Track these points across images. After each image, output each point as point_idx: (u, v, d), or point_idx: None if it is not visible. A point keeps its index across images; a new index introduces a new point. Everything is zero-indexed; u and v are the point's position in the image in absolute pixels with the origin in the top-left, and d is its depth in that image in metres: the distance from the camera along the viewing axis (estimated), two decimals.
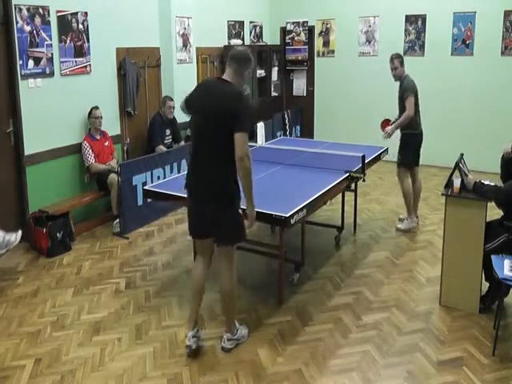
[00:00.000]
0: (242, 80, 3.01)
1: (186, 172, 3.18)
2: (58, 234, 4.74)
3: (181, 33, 6.64)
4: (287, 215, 3.34)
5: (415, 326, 3.49)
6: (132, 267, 4.50)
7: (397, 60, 5.16)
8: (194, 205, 3.09)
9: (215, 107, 2.89)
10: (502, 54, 7.18)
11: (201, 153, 2.98)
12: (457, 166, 3.70)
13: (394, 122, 5.21)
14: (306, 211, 3.59)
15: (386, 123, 5.33)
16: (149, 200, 5.32)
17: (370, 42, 8.24)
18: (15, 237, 4.15)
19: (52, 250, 4.70)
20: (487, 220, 3.53)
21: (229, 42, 7.90)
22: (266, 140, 7.32)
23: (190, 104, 3.17)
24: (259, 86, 8.42)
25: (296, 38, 8.87)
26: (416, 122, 5.11)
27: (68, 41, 5.23)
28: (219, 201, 2.94)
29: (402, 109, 5.10)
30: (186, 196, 3.18)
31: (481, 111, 7.39)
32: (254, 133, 2.90)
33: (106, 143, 5.59)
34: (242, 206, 3.03)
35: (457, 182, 3.62)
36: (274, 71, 8.85)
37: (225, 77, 2.99)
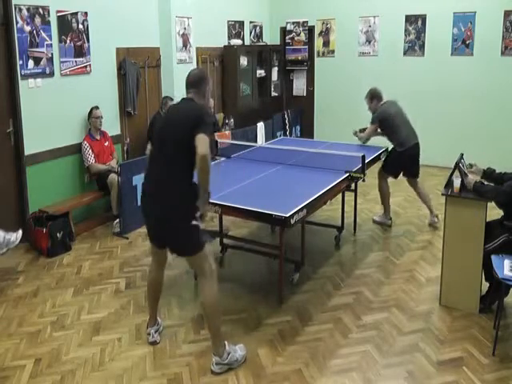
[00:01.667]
0: (203, 98, 3.11)
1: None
2: (57, 234, 4.74)
3: (181, 33, 6.64)
4: (287, 215, 3.34)
5: (415, 326, 3.49)
6: (132, 267, 4.50)
7: (367, 99, 5.41)
8: (146, 215, 3.10)
9: (176, 119, 3.01)
10: (502, 54, 7.17)
11: (158, 167, 3.00)
12: (457, 165, 3.70)
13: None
14: (306, 211, 3.59)
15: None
16: None
17: (369, 42, 8.24)
18: (15, 236, 4.16)
19: (52, 250, 4.70)
20: (487, 220, 3.53)
21: (229, 42, 7.91)
22: (266, 140, 7.33)
23: (157, 126, 3.30)
24: (259, 86, 8.43)
25: (296, 38, 8.87)
26: (399, 141, 5.22)
27: (68, 41, 5.23)
28: (170, 215, 2.92)
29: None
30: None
31: (481, 111, 7.39)
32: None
33: (106, 143, 5.59)
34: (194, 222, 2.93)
35: (457, 182, 3.62)
36: (274, 71, 8.85)
37: (188, 96, 3.13)
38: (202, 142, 2.78)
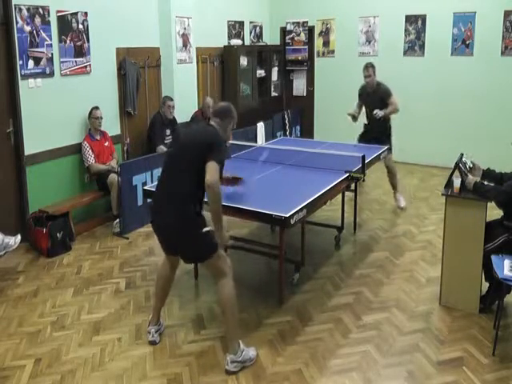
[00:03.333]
0: (224, 131, 3.12)
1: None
2: (58, 234, 4.74)
3: (181, 33, 6.64)
4: (287, 215, 3.34)
5: (415, 326, 3.49)
6: (132, 267, 4.50)
7: (371, 69, 5.93)
8: (158, 229, 3.12)
9: (192, 139, 3.06)
10: (502, 54, 7.17)
11: (168, 184, 3.03)
12: (457, 165, 3.70)
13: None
14: (306, 211, 3.59)
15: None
16: (149, 200, 5.30)
17: (369, 42, 8.24)
18: (14, 240, 4.18)
19: (52, 250, 4.70)
20: (487, 220, 3.53)
21: (229, 42, 7.91)
22: (266, 140, 7.33)
23: (172, 144, 3.39)
24: (259, 86, 8.43)
25: (296, 38, 8.87)
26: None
27: (68, 41, 5.23)
28: (179, 228, 2.96)
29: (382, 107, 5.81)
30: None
31: (481, 111, 7.39)
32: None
33: (106, 143, 5.59)
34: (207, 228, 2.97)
35: (457, 182, 3.62)
36: (274, 71, 8.85)
37: (211, 122, 3.15)
38: (211, 170, 2.81)
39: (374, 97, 5.91)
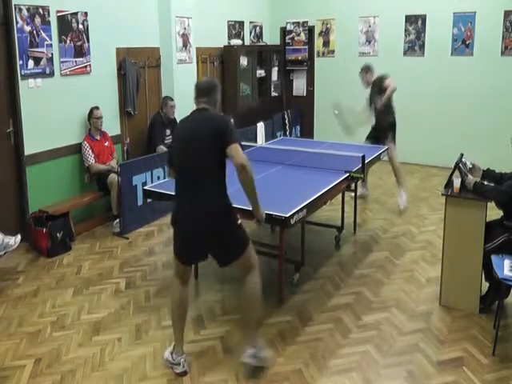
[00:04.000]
0: (215, 107, 2.98)
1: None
2: (58, 234, 4.74)
3: (181, 33, 6.64)
4: (287, 215, 3.34)
5: (415, 326, 3.49)
6: (132, 267, 4.50)
7: (362, 73, 6.23)
8: (187, 234, 2.90)
9: (199, 134, 2.82)
10: (502, 54, 7.17)
11: (189, 183, 2.86)
12: (457, 165, 3.70)
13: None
14: (306, 211, 3.59)
15: None
16: (149, 200, 5.32)
17: (370, 42, 8.24)
18: (14, 240, 4.18)
19: (52, 250, 4.70)
20: (487, 220, 3.53)
21: (229, 42, 7.91)
22: (266, 140, 7.33)
23: (174, 143, 3.07)
24: (259, 86, 8.43)
25: (296, 38, 8.87)
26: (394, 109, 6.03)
27: (68, 41, 5.23)
28: (217, 225, 2.83)
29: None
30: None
31: (481, 111, 7.39)
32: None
33: (106, 143, 5.59)
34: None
35: (457, 182, 3.62)
36: (274, 71, 8.85)
37: (200, 107, 2.95)
38: (236, 152, 2.69)
39: (374, 90, 6.07)
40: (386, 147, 5.46)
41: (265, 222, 3.15)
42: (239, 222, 2.90)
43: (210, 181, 2.82)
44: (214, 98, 2.96)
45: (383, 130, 5.94)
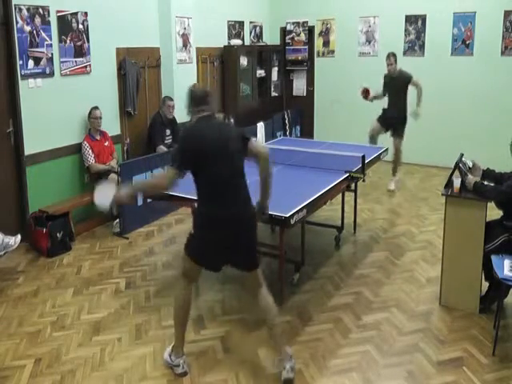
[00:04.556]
0: (214, 107, 3.09)
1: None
2: (57, 234, 4.74)
3: (181, 33, 6.64)
4: (287, 215, 3.34)
5: (415, 326, 3.49)
6: (132, 267, 4.50)
7: (393, 57, 6.48)
8: (224, 237, 2.86)
9: (225, 137, 2.91)
10: (502, 54, 7.17)
11: (227, 184, 2.86)
12: (457, 165, 3.70)
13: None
14: (306, 211, 3.59)
15: (367, 92, 6.82)
16: (149, 200, 5.32)
17: (369, 42, 8.24)
18: (14, 240, 4.18)
19: (52, 250, 4.70)
20: (487, 220, 3.53)
21: (229, 42, 7.91)
22: (266, 140, 7.33)
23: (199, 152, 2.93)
24: (259, 86, 8.43)
25: (296, 38, 8.87)
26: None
27: (68, 41, 5.23)
28: (253, 226, 2.97)
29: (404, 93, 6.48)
30: (187, 197, 3.15)
31: (481, 111, 7.39)
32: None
33: (106, 143, 5.59)
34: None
35: (457, 182, 3.62)
36: (274, 71, 8.85)
37: (207, 113, 2.98)
38: (258, 144, 2.89)
39: (398, 81, 6.44)
40: (386, 147, 5.45)
41: (265, 223, 3.15)
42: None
43: (245, 183, 2.95)
44: (212, 104, 3.05)
45: (402, 122, 6.49)
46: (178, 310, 3.01)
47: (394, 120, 6.54)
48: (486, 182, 3.64)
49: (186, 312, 3.04)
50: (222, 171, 2.85)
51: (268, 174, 2.94)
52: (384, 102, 6.77)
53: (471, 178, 3.59)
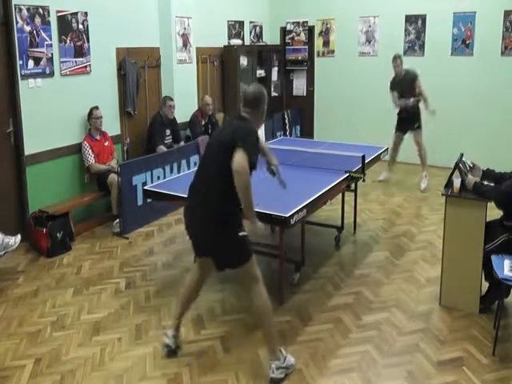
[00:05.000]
0: (259, 119, 3.03)
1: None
2: (57, 234, 4.74)
3: (181, 33, 6.64)
4: (287, 215, 3.34)
5: (415, 326, 3.49)
6: (132, 267, 4.50)
7: (399, 59, 6.62)
8: (190, 229, 3.02)
9: (222, 136, 2.91)
10: (502, 54, 7.17)
11: (202, 178, 2.94)
12: (457, 165, 3.70)
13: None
14: (306, 211, 3.59)
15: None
16: (149, 200, 5.32)
17: (369, 42, 8.24)
18: (14, 240, 4.18)
19: (52, 250, 4.70)
20: (487, 220, 3.53)
21: (229, 42, 7.90)
22: (266, 140, 7.32)
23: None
24: None
25: (296, 38, 8.87)
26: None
27: (68, 41, 5.23)
28: (214, 226, 2.85)
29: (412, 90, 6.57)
30: (185, 198, 3.16)
31: (481, 111, 7.38)
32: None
33: (106, 143, 5.59)
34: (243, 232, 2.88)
35: (457, 182, 3.62)
36: (274, 71, 8.85)
37: (243, 114, 3.01)
38: (237, 156, 2.67)
39: (404, 82, 6.59)
40: (386, 147, 5.46)
41: (265, 222, 3.13)
42: (242, 234, 2.85)
43: (219, 183, 2.81)
44: (259, 110, 2.99)
45: (418, 118, 6.67)
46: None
47: (409, 118, 6.68)
48: (485, 182, 3.64)
49: (187, 294, 3.15)
50: (201, 165, 3.03)
51: (237, 187, 2.71)
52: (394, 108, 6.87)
53: (471, 178, 3.59)
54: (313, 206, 3.76)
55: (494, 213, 3.69)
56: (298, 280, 4.11)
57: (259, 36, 8.84)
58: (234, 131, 2.84)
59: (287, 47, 8.97)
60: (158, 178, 5.52)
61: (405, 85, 6.58)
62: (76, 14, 5.29)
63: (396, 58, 6.62)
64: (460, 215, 3.58)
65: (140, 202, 5.40)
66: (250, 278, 2.94)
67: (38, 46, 4.89)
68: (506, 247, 3.41)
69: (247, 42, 8.47)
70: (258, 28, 8.78)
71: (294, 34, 8.87)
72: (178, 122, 6.38)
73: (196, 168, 3.14)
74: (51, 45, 5.04)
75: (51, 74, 5.07)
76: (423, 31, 7.72)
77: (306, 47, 8.82)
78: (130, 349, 3.28)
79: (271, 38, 9.10)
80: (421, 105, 6.59)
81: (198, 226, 2.95)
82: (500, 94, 7.21)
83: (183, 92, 6.66)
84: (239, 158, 2.67)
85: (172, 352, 3.16)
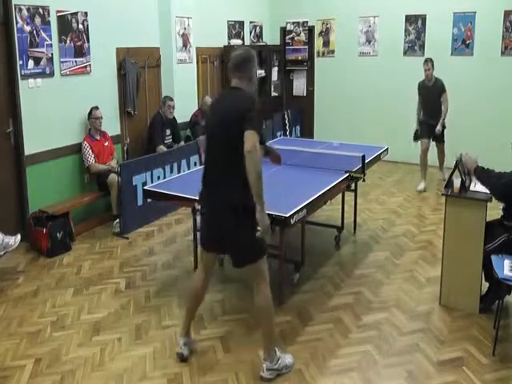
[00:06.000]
0: (250, 82, 2.89)
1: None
2: (57, 234, 4.74)
3: (181, 33, 6.64)
4: (287, 215, 3.34)
5: (415, 326, 3.49)
6: (132, 267, 4.50)
7: (430, 63, 6.52)
8: (207, 217, 2.93)
9: (224, 116, 2.78)
10: (502, 54, 7.17)
11: (214, 166, 2.85)
12: (457, 165, 3.70)
13: None
14: (306, 211, 3.59)
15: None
16: (149, 200, 5.32)
17: (370, 42, 8.24)
18: (14, 240, 4.18)
19: (52, 250, 4.70)
20: (487, 220, 3.52)
21: (229, 42, 7.91)
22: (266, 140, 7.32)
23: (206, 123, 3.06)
24: (259, 86, 8.39)
25: (296, 38, 8.87)
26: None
27: (68, 41, 5.23)
28: (235, 214, 2.76)
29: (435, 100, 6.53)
30: (187, 197, 3.12)
31: (481, 111, 7.39)
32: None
33: (106, 143, 5.59)
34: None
35: (457, 182, 3.62)
36: (274, 71, 8.85)
37: (233, 84, 2.88)
38: (248, 139, 2.58)
39: (433, 90, 6.53)
40: (386, 147, 5.44)
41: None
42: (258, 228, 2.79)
43: (230, 172, 2.72)
44: (248, 71, 2.84)
45: (443, 127, 6.57)
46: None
47: (434, 124, 6.54)
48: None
49: (194, 300, 3.12)
50: (208, 155, 2.90)
51: (248, 169, 2.61)
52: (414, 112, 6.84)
53: (473, 162, 3.53)
54: (313, 206, 3.76)
55: (494, 213, 3.69)
56: (297, 280, 4.11)
57: (259, 36, 8.84)
58: (236, 110, 2.71)
59: (287, 47, 8.98)
60: (158, 178, 5.52)
61: (431, 93, 6.54)
62: (76, 14, 5.29)
63: (427, 61, 6.52)
64: (460, 215, 3.58)
65: (140, 202, 5.40)
66: (260, 276, 2.92)
67: (38, 45, 4.89)
68: (506, 247, 3.40)
69: (247, 42, 8.47)
70: (257, 28, 8.78)
71: (293, 34, 8.87)
72: (178, 121, 6.38)
73: (204, 157, 2.99)
74: (51, 45, 5.04)
75: (51, 74, 5.07)
76: (423, 31, 7.72)
77: (306, 47, 8.82)
78: (130, 349, 3.27)
79: (271, 38, 9.11)
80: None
81: (218, 216, 2.82)
82: (500, 94, 7.21)
83: (183, 92, 6.66)
84: (250, 140, 2.59)
85: (185, 359, 3.11)
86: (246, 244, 2.84)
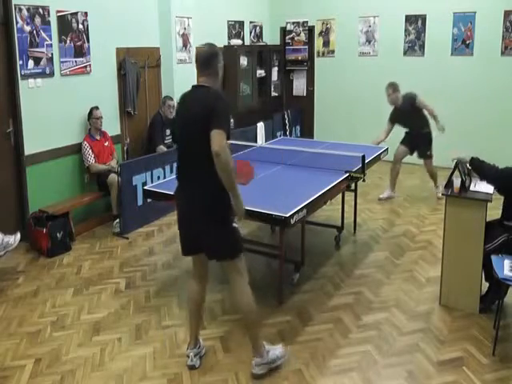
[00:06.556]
0: (216, 78, 2.88)
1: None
2: (57, 234, 4.74)
3: (181, 33, 6.64)
4: (287, 215, 3.34)
5: (415, 326, 3.49)
6: (132, 267, 4.50)
7: (390, 88, 5.98)
8: (181, 219, 2.92)
9: (192, 114, 2.76)
10: (502, 54, 7.17)
11: (185, 163, 2.84)
12: (457, 165, 3.70)
13: None
14: (306, 211, 3.59)
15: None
16: (149, 200, 5.32)
17: (369, 42, 8.24)
18: (14, 239, 4.17)
19: (52, 250, 4.70)
20: (487, 220, 3.52)
21: (229, 42, 7.91)
22: (266, 140, 7.33)
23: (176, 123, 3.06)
24: (259, 86, 8.43)
25: (296, 38, 8.87)
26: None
27: (68, 41, 5.23)
28: (208, 213, 2.76)
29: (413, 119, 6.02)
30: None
31: (481, 111, 7.39)
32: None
33: (106, 143, 5.59)
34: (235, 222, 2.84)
35: (457, 182, 3.62)
36: (274, 71, 8.85)
37: (201, 82, 2.90)
38: (214, 138, 2.56)
39: (404, 110, 6.00)
40: (387, 147, 5.44)
41: (264, 222, 3.12)
42: (234, 224, 2.81)
43: (205, 165, 2.67)
44: (215, 67, 2.84)
45: (428, 139, 6.17)
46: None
47: (419, 139, 6.15)
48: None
49: (194, 307, 3.08)
50: (180, 153, 2.87)
51: (218, 170, 2.59)
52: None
53: (466, 155, 3.55)
54: (313, 206, 3.76)
55: (494, 213, 3.69)
56: (297, 280, 4.11)
57: (259, 36, 8.84)
58: (203, 108, 2.69)
59: (287, 47, 8.98)
60: (158, 178, 5.52)
61: (404, 112, 5.98)
62: (76, 14, 5.29)
63: (388, 87, 5.97)
64: (460, 215, 3.58)
65: (140, 202, 5.41)
66: (238, 273, 2.88)
67: (37, 45, 4.89)
68: (506, 247, 3.41)
69: (247, 42, 8.48)
70: (257, 28, 8.78)
71: (293, 34, 8.87)
72: None
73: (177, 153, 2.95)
74: (51, 45, 5.04)
75: (51, 74, 5.07)
76: (423, 31, 7.72)
77: (306, 47, 8.82)
78: (130, 349, 3.28)
79: (271, 38, 9.11)
80: (431, 122, 6.08)
81: (191, 211, 2.81)
82: (500, 94, 7.21)
83: (183, 92, 6.65)
84: (217, 140, 2.57)
85: (195, 368, 3.08)
86: (220, 238, 2.82)
